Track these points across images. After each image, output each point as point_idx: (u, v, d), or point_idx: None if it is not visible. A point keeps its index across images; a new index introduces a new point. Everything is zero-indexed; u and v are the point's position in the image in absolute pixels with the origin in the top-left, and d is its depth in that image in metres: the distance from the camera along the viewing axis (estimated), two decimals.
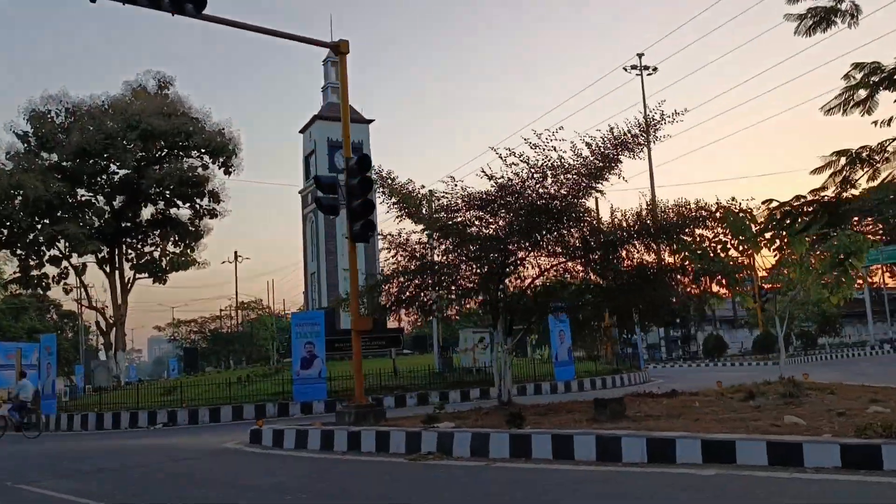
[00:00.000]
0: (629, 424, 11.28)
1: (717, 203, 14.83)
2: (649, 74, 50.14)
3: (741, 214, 14.96)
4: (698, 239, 15.15)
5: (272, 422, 22.25)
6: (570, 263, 16.32)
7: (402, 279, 16.49)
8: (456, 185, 15.62)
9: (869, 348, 54.85)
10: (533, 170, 14.88)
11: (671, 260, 16.26)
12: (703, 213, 14.59)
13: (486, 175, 15.25)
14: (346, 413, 14.58)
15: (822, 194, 10.02)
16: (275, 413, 24.67)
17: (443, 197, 16.21)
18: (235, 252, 69.84)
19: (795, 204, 10.23)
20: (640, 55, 50.34)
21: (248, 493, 9.58)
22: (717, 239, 15.44)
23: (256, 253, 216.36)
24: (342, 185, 15.04)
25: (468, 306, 17.82)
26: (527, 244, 15.74)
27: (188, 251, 43.80)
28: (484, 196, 15.27)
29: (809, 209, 10.22)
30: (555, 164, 14.78)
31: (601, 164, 14.68)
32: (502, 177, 15.18)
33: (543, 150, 14.69)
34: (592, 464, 9.68)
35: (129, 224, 42.54)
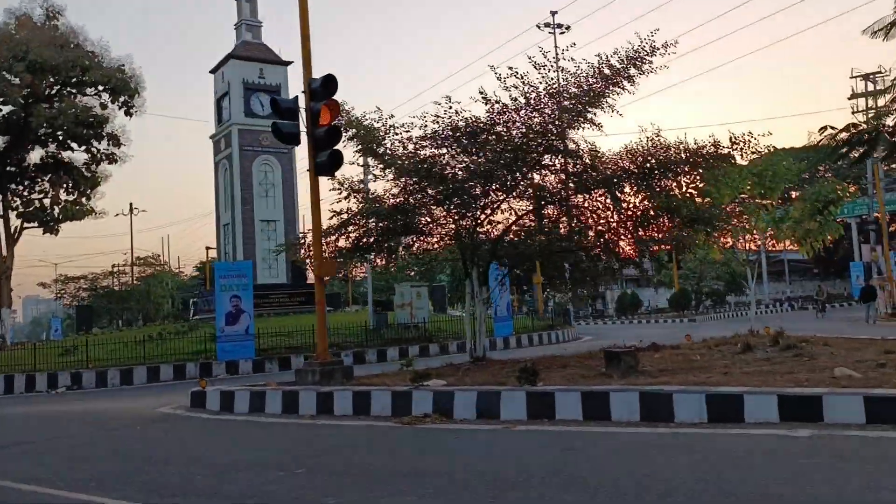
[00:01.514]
0: (650, 380, 10.01)
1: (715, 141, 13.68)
2: (562, 33, 49.76)
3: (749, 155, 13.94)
4: (694, 182, 13.99)
5: (188, 384, 20.12)
6: (550, 208, 14.89)
7: (363, 223, 14.57)
8: (438, 115, 13.74)
9: (764, 306, 57.36)
10: (532, 93, 13.25)
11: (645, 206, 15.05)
12: (713, 150, 13.39)
13: (484, 98, 13.47)
14: (310, 371, 12.73)
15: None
16: (196, 374, 22.34)
17: (411, 128, 14.35)
18: (130, 204, 64.85)
19: (854, 132, 9.09)
20: (553, 13, 49.62)
21: (230, 473, 7.72)
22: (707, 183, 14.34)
23: (160, 203, 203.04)
24: (302, 109, 12.95)
25: (437, 249, 16.07)
26: (508, 183, 14.18)
27: (83, 199, 39.85)
28: (473, 125, 13.52)
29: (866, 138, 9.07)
30: (552, 89, 13.22)
31: (601, 86, 13.20)
32: (498, 101, 13.47)
33: (544, 71, 13.12)
34: (635, 425, 8.35)
35: (14, 168, 38.19)
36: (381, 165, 15.11)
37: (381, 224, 14.50)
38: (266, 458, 8.41)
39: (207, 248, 63.90)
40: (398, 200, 14.38)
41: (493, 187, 14.22)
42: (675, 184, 13.89)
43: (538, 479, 6.20)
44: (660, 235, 14.56)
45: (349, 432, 9.75)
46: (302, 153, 42.67)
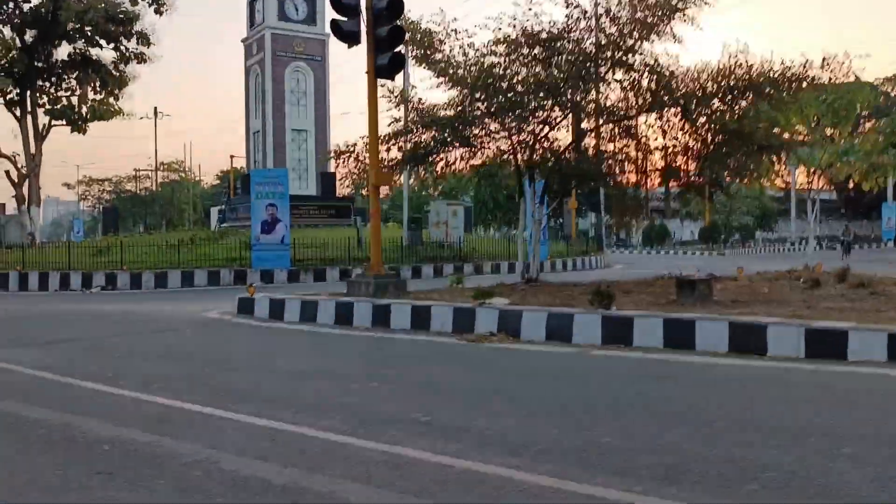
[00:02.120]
0: (722, 310, 9.54)
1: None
2: None
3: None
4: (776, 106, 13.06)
5: (231, 291, 19.91)
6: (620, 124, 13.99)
7: (417, 133, 13.84)
8: (515, 17, 12.79)
9: (790, 244, 56.55)
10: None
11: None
12: (801, 71, 12.49)
13: (566, 1, 12.55)
14: (363, 283, 12.34)
15: None
16: (230, 281, 22.19)
17: (476, 33, 13.45)
18: (155, 108, 64.09)
19: None
20: None
21: (299, 381, 7.41)
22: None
23: (185, 108, 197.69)
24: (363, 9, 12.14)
25: (488, 161, 15.32)
26: (572, 97, 13.38)
27: (111, 99, 39.12)
28: (550, 31, 12.64)
29: None
30: None
31: None
32: (577, 5, 12.57)
33: None
34: (722, 356, 7.90)
35: (42, 64, 37.36)
36: (436, 73, 14.30)
37: (435, 135, 13.80)
38: (332, 367, 8.09)
39: (232, 157, 63.74)
40: (457, 111, 13.62)
41: (558, 101, 13.43)
42: (753, 107, 13.03)
43: (640, 408, 5.79)
44: (732, 163, 13.80)
45: (411, 347, 9.40)
46: (336, 61, 40.65)
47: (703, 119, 13.18)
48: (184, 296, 18.92)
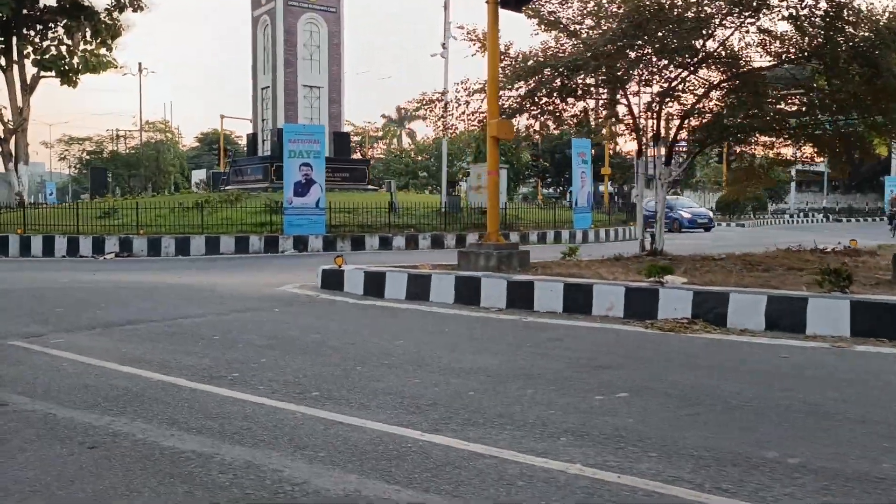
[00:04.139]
0: None
1: None
2: None
3: None
4: None
5: (248, 260, 17.88)
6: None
7: (538, 78, 11.60)
8: None
9: (789, 216, 55.75)
10: None
11: None
12: None
13: None
14: (481, 254, 10.28)
15: None
16: (260, 248, 20.03)
17: None
18: (140, 63, 60.60)
19: None
20: None
21: (496, 388, 5.43)
22: None
23: (168, 62, 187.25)
24: None
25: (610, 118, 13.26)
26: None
27: (103, 49, 36.16)
28: None
29: None
30: None
31: None
32: None
33: None
34: None
35: (28, 10, 34.28)
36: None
37: (565, 80, 11.58)
38: (516, 367, 6.09)
39: (223, 117, 60.62)
40: (602, 49, 11.32)
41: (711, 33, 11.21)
42: None
43: None
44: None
45: (594, 337, 7.39)
46: (350, 10, 37.54)
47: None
48: (219, 265, 16.73)
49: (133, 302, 10.01)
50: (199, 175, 56.04)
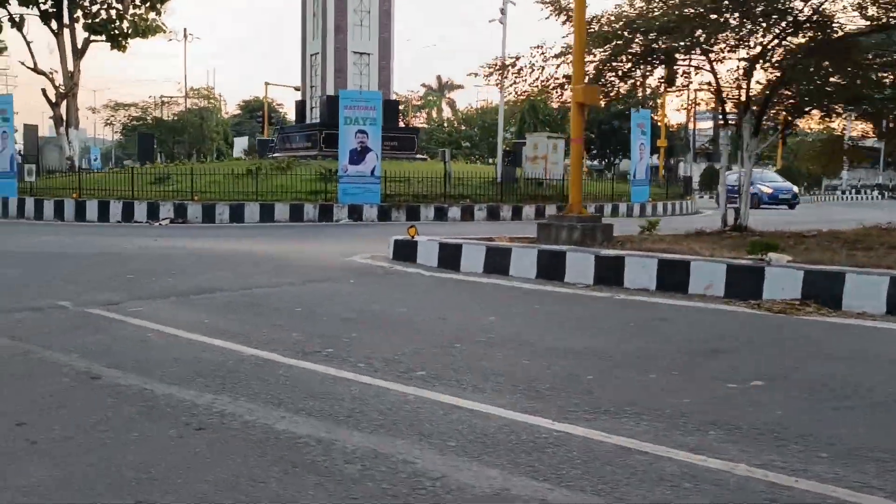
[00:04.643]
0: None
1: None
2: None
3: None
4: None
5: (307, 229, 17.58)
6: None
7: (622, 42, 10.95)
8: None
9: (840, 192, 54.16)
10: None
11: None
12: None
13: None
14: (564, 227, 9.79)
15: None
16: (315, 217, 19.77)
17: None
18: (185, 29, 60.40)
19: None
20: None
21: (628, 374, 5.00)
22: None
23: (227, 27, 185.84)
24: None
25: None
26: None
27: (152, 13, 36.00)
28: None
29: None
30: None
31: None
32: None
33: None
34: None
35: None
36: None
37: (649, 44, 10.92)
38: (626, 347, 5.64)
39: (267, 84, 60.36)
40: (690, 12, 10.61)
41: None
42: None
43: None
44: None
45: (699, 317, 6.90)
46: None
47: None
48: (278, 233, 16.48)
49: (202, 270, 9.76)
50: (241, 142, 56.11)
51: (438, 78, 78.92)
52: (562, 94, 12.43)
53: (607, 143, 55.81)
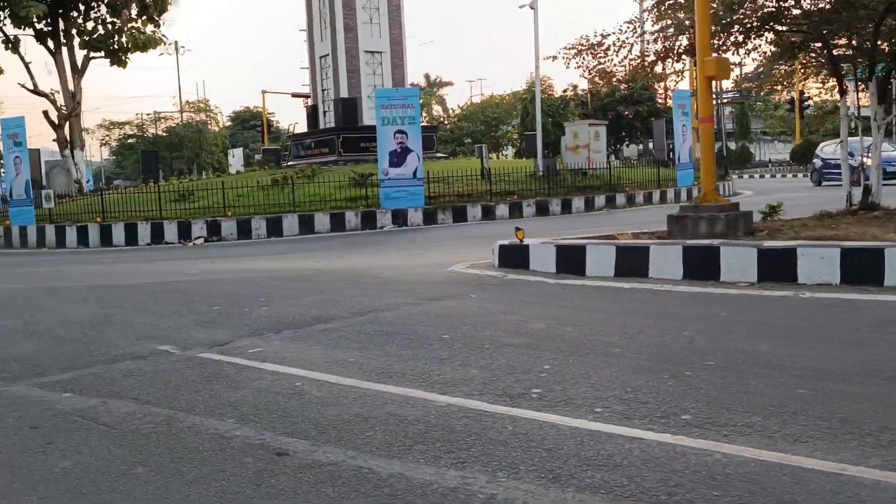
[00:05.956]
0: None
1: None
2: None
3: None
4: None
5: (359, 238, 16.51)
6: None
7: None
8: None
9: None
10: None
11: None
12: None
13: None
14: (702, 219, 8.63)
15: None
16: (357, 225, 18.62)
17: None
18: (176, 42, 58.85)
19: None
20: None
21: None
22: None
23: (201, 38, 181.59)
24: None
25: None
26: None
27: (150, 26, 34.68)
28: None
29: None
30: None
31: None
32: None
33: None
34: None
35: None
36: None
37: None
38: (860, 364, 4.52)
39: (264, 93, 59.01)
40: None
41: None
42: None
43: None
44: None
45: None
46: None
47: None
48: (333, 244, 15.32)
49: (292, 294, 8.59)
50: (237, 153, 54.71)
51: (427, 76, 77.85)
52: (664, 69, 11.33)
53: (613, 130, 54.73)
